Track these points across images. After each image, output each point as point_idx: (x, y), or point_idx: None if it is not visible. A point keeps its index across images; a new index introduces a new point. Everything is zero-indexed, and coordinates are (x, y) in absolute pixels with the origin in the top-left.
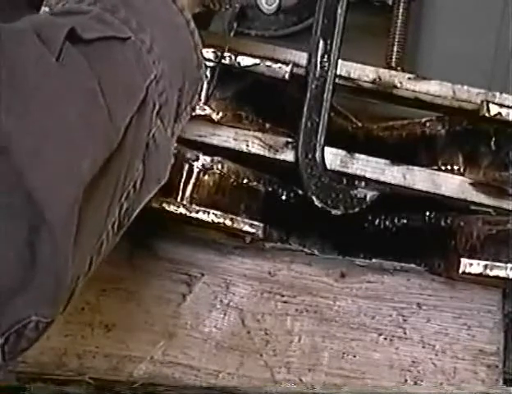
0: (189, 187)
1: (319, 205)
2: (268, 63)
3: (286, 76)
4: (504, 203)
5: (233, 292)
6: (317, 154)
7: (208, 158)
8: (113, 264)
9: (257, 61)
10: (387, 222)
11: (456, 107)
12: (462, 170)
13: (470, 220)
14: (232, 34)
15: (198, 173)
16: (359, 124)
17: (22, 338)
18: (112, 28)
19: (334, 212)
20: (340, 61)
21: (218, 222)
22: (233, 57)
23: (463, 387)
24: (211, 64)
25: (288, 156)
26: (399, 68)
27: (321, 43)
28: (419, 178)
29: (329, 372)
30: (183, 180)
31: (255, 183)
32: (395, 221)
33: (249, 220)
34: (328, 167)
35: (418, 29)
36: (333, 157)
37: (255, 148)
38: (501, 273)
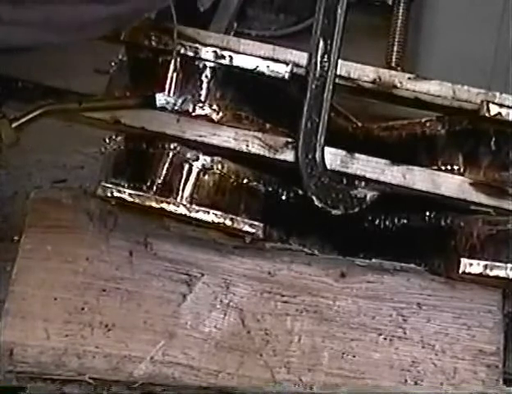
0: (189, 187)
1: (319, 205)
2: (268, 63)
3: (286, 76)
4: (504, 203)
5: (233, 292)
6: (317, 154)
7: (208, 158)
8: (113, 264)
9: (257, 61)
10: (387, 222)
11: (456, 107)
12: (462, 170)
13: (470, 220)
14: (232, 34)
15: (198, 173)
16: (359, 124)
17: None
18: None
19: (334, 212)
20: (340, 61)
21: (218, 222)
22: (233, 57)
23: (463, 387)
24: (211, 64)
25: (288, 156)
26: (399, 68)
27: (321, 43)
28: (419, 178)
29: (329, 372)
30: (183, 180)
31: (255, 183)
32: (395, 221)
33: (249, 220)
34: (328, 167)
35: (418, 29)
36: (333, 157)
37: (255, 148)
38: (501, 273)
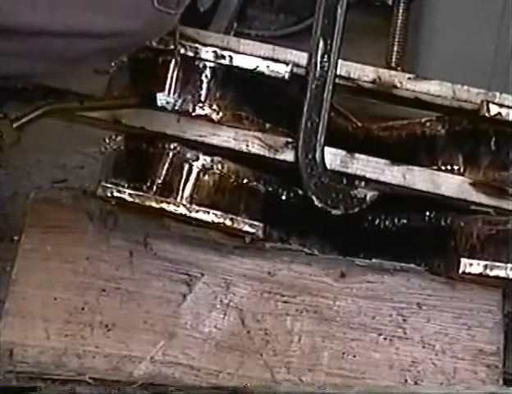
0: (189, 187)
1: (319, 205)
2: (268, 63)
3: (286, 76)
4: (504, 203)
5: (233, 292)
6: (317, 154)
7: (208, 158)
8: (113, 264)
9: (257, 61)
10: (387, 222)
11: (456, 107)
12: (462, 170)
13: (470, 220)
14: (232, 34)
15: (198, 173)
16: (359, 124)
17: None
18: None
19: (334, 212)
20: (340, 61)
21: (218, 222)
22: (233, 57)
23: (463, 387)
24: (211, 64)
25: (288, 156)
26: (399, 68)
27: (321, 43)
28: (419, 178)
29: (329, 372)
30: (183, 180)
31: (255, 183)
32: (395, 221)
33: (249, 220)
34: (328, 167)
35: (418, 29)
36: (333, 157)
37: (255, 148)
38: (501, 273)
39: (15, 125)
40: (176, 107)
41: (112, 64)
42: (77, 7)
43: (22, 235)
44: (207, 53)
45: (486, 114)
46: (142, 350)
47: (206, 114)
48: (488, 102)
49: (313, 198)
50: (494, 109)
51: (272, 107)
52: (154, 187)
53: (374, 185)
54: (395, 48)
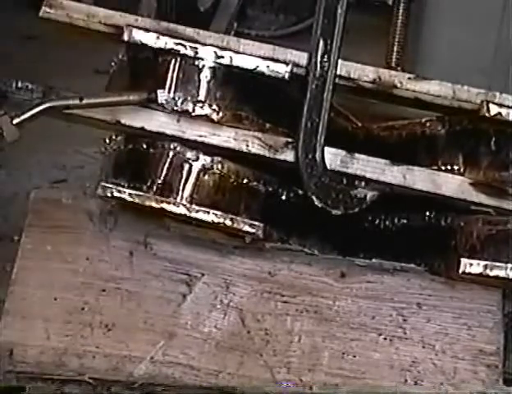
0: (189, 187)
1: (319, 205)
2: (268, 63)
3: (286, 76)
4: (504, 203)
5: (233, 292)
6: (317, 154)
7: (208, 158)
8: (113, 264)
9: (257, 61)
10: (387, 222)
11: (456, 107)
12: (462, 170)
13: (470, 220)
14: (232, 34)
15: (198, 173)
16: (359, 124)
17: None
18: None
19: (334, 212)
20: (340, 61)
21: (218, 222)
22: (233, 57)
23: (463, 387)
24: (211, 64)
25: (288, 156)
26: (399, 68)
27: (321, 43)
28: (419, 178)
29: (329, 372)
30: (183, 180)
31: (255, 183)
32: (395, 221)
33: (249, 220)
34: (328, 167)
35: (418, 29)
36: (333, 157)
37: (255, 148)
38: (501, 273)
39: (15, 122)
40: (176, 107)
41: (112, 64)
42: None
43: (22, 235)
44: (207, 53)
45: (486, 114)
46: (142, 350)
47: (206, 114)
48: (488, 102)
49: (313, 198)
50: (494, 109)
51: (272, 107)
52: (154, 187)
53: (374, 185)
54: (395, 48)
